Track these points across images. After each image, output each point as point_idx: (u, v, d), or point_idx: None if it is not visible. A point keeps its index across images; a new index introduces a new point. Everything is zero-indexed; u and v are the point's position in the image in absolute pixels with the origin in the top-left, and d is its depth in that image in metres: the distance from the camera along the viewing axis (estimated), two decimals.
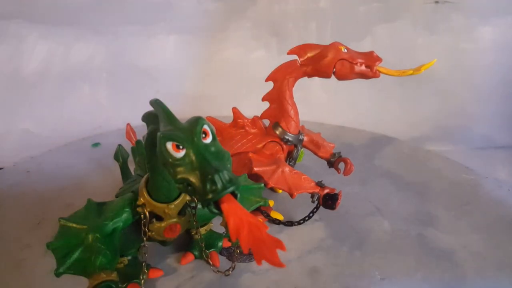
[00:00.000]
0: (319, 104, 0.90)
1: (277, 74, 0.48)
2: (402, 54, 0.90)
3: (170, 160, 0.26)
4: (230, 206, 0.25)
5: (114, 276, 0.34)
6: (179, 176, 0.26)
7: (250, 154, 0.46)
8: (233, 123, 0.52)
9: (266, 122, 0.51)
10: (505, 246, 0.47)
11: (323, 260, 0.44)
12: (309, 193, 0.45)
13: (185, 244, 0.45)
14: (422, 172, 0.65)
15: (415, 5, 0.89)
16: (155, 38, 0.88)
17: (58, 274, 0.32)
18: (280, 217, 0.50)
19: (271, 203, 0.53)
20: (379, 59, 0.44)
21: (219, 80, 0.92)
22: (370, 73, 0.44)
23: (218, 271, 0.41)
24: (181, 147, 0.26)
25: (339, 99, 0.89)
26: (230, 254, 0.44)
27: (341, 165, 0.50)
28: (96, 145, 0.72)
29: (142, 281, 0.37)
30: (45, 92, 0.83)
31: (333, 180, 0.51)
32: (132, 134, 0.58)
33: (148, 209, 0.35)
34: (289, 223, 0.49)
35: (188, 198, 0.36)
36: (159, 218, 0.36)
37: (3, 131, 0.81)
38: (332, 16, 0.89)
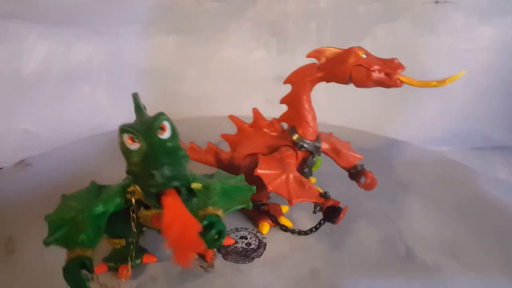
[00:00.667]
0: (320, 104, 0.90)
1: (295, 77, 0.47)
2: (402, 54, 0.90)
3: (125, 151, 0.28)
4: (169, 201, 0.27)
5: (89, 253, 0.34)
6: (129, 168, 0.28)
7: (259, 156, 0.45)
8: (253, 124, 0.52)
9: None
10: None
11: (319, 274, 0.42)
12: (312, 202, 0.43)
13: None
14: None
15: (415, 5, 0.89)
16: (155, 38, 0.88)
17: (46, 244, 0.34)
18: (289, 224, 0.49)
19: (285, 208, 0.52)
20: (400, 67, 0.40)
21: (219, 80, 0.93)
22: (389, 82, 0.40)
23: (200, 265, 0.41)
24: (136, 140, 0.27)
25: (339, 99, 0.89)
26: (227, 252, 0.44)
27: (364, 178, 0.48)
28: None
29: (130, 263, 0.39)
30: (45, 92, 0.83)
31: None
32: None
33: (135, 197, 0.36)
34: (296, 232, 0.48)
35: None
36: (147, 207, 0.37)
37: (3, 131, 0.81)
38: (332, 16, 0.89)
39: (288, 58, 0.93)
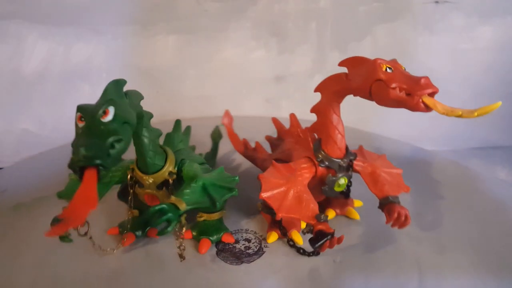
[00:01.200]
0: None
1: (324, 86, 0.42)
2: (402, 53, 0.90)
3: (75, 128, 0.31)
4: (85, 179, 0.29)
5: None
6: (71, 143, 0.30)
7: (273, 162, 0.44)
8: (289, 130, 0.51)
9: None
10: None
11: None
12: (304, 221, 0.41)
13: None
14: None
15: (415, 5, 0.89)
16: (155, 38, 0.88)
17: (58, 196, 0.41)
18: (299, 240, 0.45)
19: (303, 224, 0.47)
20: (428, 87, 0.33)
21: (219, 80, 0.93)
22: (410, 103, 0.34)
23: (180, 254, 0.42)
24: (83, 119, 0.31)
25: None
26: (223, 250, 0.44)
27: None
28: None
29: (137, 233, 0.45)
30: (45, 92, 0.83)
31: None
32: (228, 119, 0.61)
33: (132, 174, 0.41)
34: (301, 251, 0.44)
35: (166, 175, 0.41)
36: (141, 185, 0.42)
37: (3, 131, 0.81)
38: (332, 16, 0.90)
39: (288, 58, 0.93)
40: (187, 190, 0.39)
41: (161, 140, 0.46)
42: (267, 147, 0.56)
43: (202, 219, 0.46)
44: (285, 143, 0.51)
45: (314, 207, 0.41)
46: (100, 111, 0.31)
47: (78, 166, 0.29)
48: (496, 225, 0.51)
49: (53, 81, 0.83)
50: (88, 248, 0.41)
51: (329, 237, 0.40)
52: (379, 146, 0.75)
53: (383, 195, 0.44)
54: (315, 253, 0.43)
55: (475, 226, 0.51)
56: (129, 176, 0.41)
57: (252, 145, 0.58)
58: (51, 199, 0.44)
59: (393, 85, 0.34)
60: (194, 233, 0.45)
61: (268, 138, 0.55)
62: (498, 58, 0.92)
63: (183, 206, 0.36)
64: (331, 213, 0.50)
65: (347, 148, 0.44)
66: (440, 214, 0.53)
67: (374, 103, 0.38)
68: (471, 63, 0.93)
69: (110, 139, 0.30)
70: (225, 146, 0.65)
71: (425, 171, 0.66)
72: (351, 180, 0.46)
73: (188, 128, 0.55)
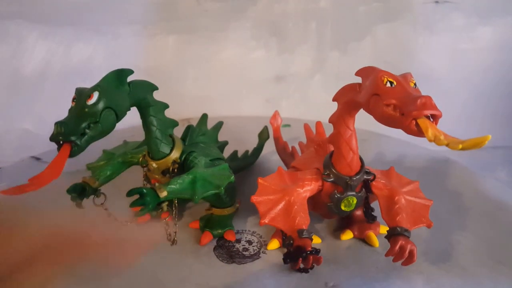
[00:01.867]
0: (319, 103, 0.90)
1: (340, 95, 0.39)
2: (402, 53, 0.90)
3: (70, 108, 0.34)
4: (60, 152, 0.32)
5: (94, 183, 0.42)
6: None
7: (278, 167, 0.44)
8: (314, 137, 0.50)
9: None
10: None
11: None
12: (284, 232, 0.40)
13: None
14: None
15: (415, 5, 0.89)
16: (155, 38, 0.89)
17: (88, 167, 0.46)
18: None
19: (317, 240, 0.46)
20: (425, 108, 0.29)
21: (219, 80, 0.93)
22: (403, 124, 0.30)
23: (172, 238, 0.45)
24: (75, 100, 0.34)
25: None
26: (221, 246, 0.45)
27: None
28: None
29: (154, 213, 0.44)
30: (45, 92, 0.83)
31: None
32: (277, 121, 0.61)
33: (144, 158, 0.45)
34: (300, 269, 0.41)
35: (169, 163, 0.43)
36: (149, 169, 0.44)
37: (3, 131, 0.81)
38: (332, 16, 0.90)
39: (288, 58, 0.93)
40: (177, 180, 0.40)
41: (179, 131, 0.47)
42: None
43: (210, 212, 0.48)
44: (307, 151, 0.50)
45: (300, 221, 0.39)
46: (86, 95, 0.34)
47: (57, 140, 0.32)
48: (496, 225, 0.51)
49: (53, 81, 0.83)
50: (105, 217, 0.44)
51: (304, 255, 0.37)
52: (379, 145, 0.75)
53: (393, 224, 0.39)
54: (306, 270, 0.40)
55: (474, 226, 0.51)
56: (140, 159, 0.45)
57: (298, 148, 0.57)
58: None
59: (387, 102, 0.31)
60: (201, 224, 0.47)
61: (300, 144, 0.55)
62: (497, 58, 0.93)
63: (163, 194, 0.37)
64: (347, 234, 0.46)
65: (362, 166, 0.41)
66: (439, 213, 0.53)
67: None
68: (471, 63, 0.93)
69: (87, 121, 0.33)
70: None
71: (425, 171, 0.66)
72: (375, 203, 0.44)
73: (219, 123, 0.57)
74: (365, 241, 0.46)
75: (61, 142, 0.32)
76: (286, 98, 0.92)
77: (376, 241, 0.45)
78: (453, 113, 0.92)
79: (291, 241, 0.38)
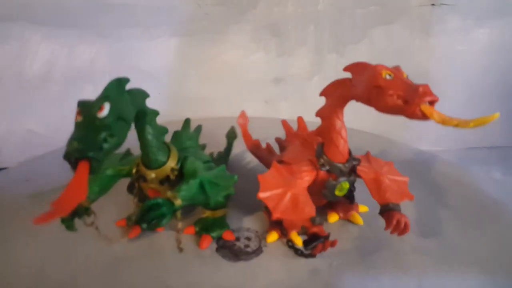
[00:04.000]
0: (318, 105, 0.90)
1: (329, 90, 0.42)
2: (399, 56, 0.91)
3: (75, 122, 0.32)
4: (78, 170, 0.30)
5: (85, 203, 0.39)
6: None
7: (274, 163, 0.45)
8: (296, 132, 0.51)
9: None
10: None
11: None
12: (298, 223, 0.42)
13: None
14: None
15: (411, 7, 0.89)
16: (157, 40, 0.89)
17: None
18: (298, 242, 0.45)
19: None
20: (426, 95, 0.33)
21: (219, 82, 0.93)
22: (407, 111, 0.34)
23: (178, 247, 0.43)
24: (81, 114, 0.32)
25: None
26: (222, 246, 0.46)
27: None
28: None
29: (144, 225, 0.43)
30: (49, 93, 0.84)
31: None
32: (244, 120, 0.61)
33: (137, 169, 0.43)
34: (299, 252, 0.44)
35: (168, 171, 0.42)
36: (145, 180, 0.43)
37: (7, 132, 0.82)
38: (330, 19, 0.90)
39: (287, 60, 0.94)
40: (184, 186, 0.40)
41: (168, 138, 0.48)
42: (276, 148, 0.57)
43: (205, 215, 0.48)
44: (291, 145, 0.51)
45: (309, 210, 0.41)
46: (96, 107, 0.32)
47: (72, 158, 0.30)
48: (492, 224, 0.52)
49: (56, 83, 0.84)
50: (95, 237, 0.42)
51: (322, 240, 0.40)
52: (375, 146, 0.75)
53: (384, 201, 0.43)
54: (312, 255, 0.43)
55: (471, 226, 0.51)
56: (134, 170, 0.43)
57: (264, 146, 0.58)
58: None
59: (390, 92, 0.34)
60: (197, 229, 0.47)
61: (278, 140, 0.56)
62: (494, 59, 0.93)
63: (178, 202, 0.38)
64: (333, 217, 0.50)
65: (350, 153, 0.44)
66: (437, 214, 0.54)
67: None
68: (467, 65, 0.93)
69: (103, 134, 0.31)
70: (237, 146, 0.66)
71: (421, 172, 0.66)
72: (355, 185, 0.47)
73: (199, 127, 0.56)
74: (350, 220, 0.50)
75: (75, 159, 0.30)
76: (285, 99, 0.92)
77: (360, 220, 0.50)
78: (450, 114, 0.92)
79: (306, 230, 0.41)
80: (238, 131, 0.62)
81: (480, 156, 0.90)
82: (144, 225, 0.45)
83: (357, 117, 0.86)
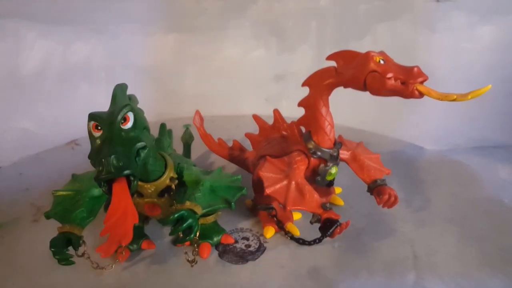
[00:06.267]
0: None
1: (313, 80, 0.44)
2: (403, 52, 0.90)
3: (90, 137, 0.29)
4: (117, 189, 0.27)
5: (77, 231, 0.36)
6: (90, 153, 0.28)
7: (267, 158, 0.45)
8: (273, 125, 0.51)
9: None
10: None
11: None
12: (310, 212, 0.42)
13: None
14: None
15: (415, 3, 0.89)
16: (154, 37, 0.88)
17: (46, 216, 0.37)
18: (295, 232, 0.47)
19: (297, 215, 0.50)
20: (420, 76, 0.36)
21: (218, 79, 0.92)
22: (405, 91, 0.36)
23: (187, 259, 0.41)
24: (99, 127, 0.29)
25: (338, 98, 0.89)
26: (225, 251, 0.44)
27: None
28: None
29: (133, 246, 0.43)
30: (44, 91, 0.83)
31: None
32: (199, 120, 0.60)
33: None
34: (300, 241, 0.46)
35: (168, 181, 0.39)
36: (140, 195, 0.40)
37: (2, 130, 0.81)
38: (332, 14, 0.89)
39: (288, 57, 0.92)
40: (198, 194, 0.38)
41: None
42: (246, 145, 0.56)
43: (205, 222, 0.45)
44: (270, 139, 0.51)
45: (317, 197, 0.42)
46: (120, 118, 0.29)
47: (107, 179, 0.27)
48: (497, 224, 0.51)
49: (52, 80, 0.83)
50: (83, 267, 0.39)
51: (338, 223, 0.40)
52: (378, 145, 0.75)
53: (371, 179, 0.46)
54: (316, 241, 0.45)
55: (475, 225, 0.51)
56: None
57: (229, 144, 0.58)
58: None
59: (389, 75, 0.36)
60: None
61: (249, 135, 0.55)
62: (499, 57, 0.92)
63: (199, 210, 0.36)
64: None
65: (335, 138, 0.46)
66: (440, 212, 0.53)
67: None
68: (472, 62, 0.92)
69: (136, 147, 0.29)
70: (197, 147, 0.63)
71: (425, 171, 0.65)
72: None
73: (170, 132, 0.54)
74: (332, 203, 0.53)
75: (109, 179, 0.27)
76: (286, 97, 0.91)
77: (341, 201, 0.53)
78: (454, 112, 0.91)
79: (319, 217, 0.42)
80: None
81: (485, 155, 0.89)
82: (133, 246, 0.42)
83: (360, 116, 0.86)
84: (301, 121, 0.47)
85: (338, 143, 0.46)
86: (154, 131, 0.43)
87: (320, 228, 0.42)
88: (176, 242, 0.45)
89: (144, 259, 0.44)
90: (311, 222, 0.43)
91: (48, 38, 0.82)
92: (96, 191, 0.38)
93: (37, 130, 0.82)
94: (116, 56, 0.86)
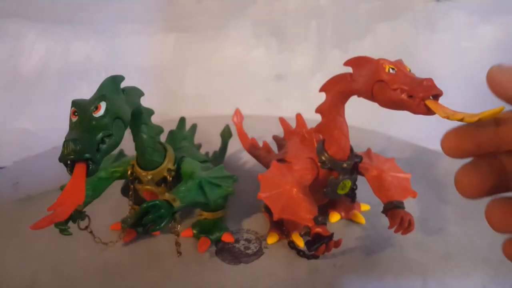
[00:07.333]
0: (320, 102, 0.90)
1: (328, 86, 0.41)
2: (403, 52, 0.90)
3: (69, 122, 0.31)
4: (75, 173, 0.29)
5: (81, 207, 0.38)
6: (65, 137, 0.30)
7: (273, 162, 0.44)
8: (295, 130, 0.50)
9: None
10: None
11: None
12: (300, 223, 0.40)
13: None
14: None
15: (416, 3, 0.89)
16: (155, 36, 0.88)
17: (61, 188, 0.38)
18: (300, 243, 0.44)
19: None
20: (431, 90, 0.31)
21: (218, 79, 0.92)
22: (412, 105, 0.32)
23: (179, 251, 0.42)
24: (76, 113, 0.31)
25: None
26: (222, 249, 0.44)
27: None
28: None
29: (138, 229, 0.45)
30: (44, 91, 0.83)
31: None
32: (239, 118, 0.61)
33: (133, 170, 0.42)
34: (301, 253, 0.43)
35: (165, 172, 0.41)
36: (141, 181, 0.42)
37: (2, 130, 0.81)
38: (332, 14, 0.90)
39: (288, 56, 0.93)
40: (183, 188, 0.39)
41: (164, 137, 0.46)
42: (274, 147, 0.55)
43: (203, 217, 0.46)
44: (290, 143, 0.50)
45: (312, 209, 0.40)
46: (92, 106, 0.31)
47: (68, 160, 0.29)
48: None
49: (51, 80, 0.83)
50: (89, 241, 0.41)
51: (325, 240, 0.38)
52: (383, 145, 0.75)
53: (388, 199, 0.42)
54: (315, 256, 0.42)
55: (479, 228, 0.50)
56: (129, 172, 0.42)
57: (261, 144, 0.57)
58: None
59: (394, 87, 0.33)
60: (195, 231, 0.45)
61: (275, 138, 0.55)
62: (499, 56, 0.92)
63: (177, 204, 0.36)
64: (335, 216, 0.49)
65: (351, 150, 0.43)
66: (445, 215, 0.52)
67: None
68: (473, 62, 0.92)
69: (100, 134, 0.30)
70: (234, 145, 0.64)
71: (429, 172, 0.65)
72: (357, 183, 0.46)
73: (194, 126, 0.55)
74: (352, 220, 0.49)
75: (71, 161, 0.29)
76: (287, 97, 0.91)
77: (362, 219, 0.49)
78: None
79: (309, 230, 0.39)
80: (234, 129, 0.60)
81: None
82: (140, 229, 0.45)
83: (364, 115, 0.86)
84: (318, 128, 0.44)
85: (356, 156, 0.43)
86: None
87: (306, 242, 0.40)
88: (144, 230, 0.45)
89: (145, 242, 0.45)
90: (301, 235, 0.41)
91: (48, 37, 0.82)
92: (103, 173, 0.41)
93: (37, 130, 0.82)
94: (116, 55, 0.86)
